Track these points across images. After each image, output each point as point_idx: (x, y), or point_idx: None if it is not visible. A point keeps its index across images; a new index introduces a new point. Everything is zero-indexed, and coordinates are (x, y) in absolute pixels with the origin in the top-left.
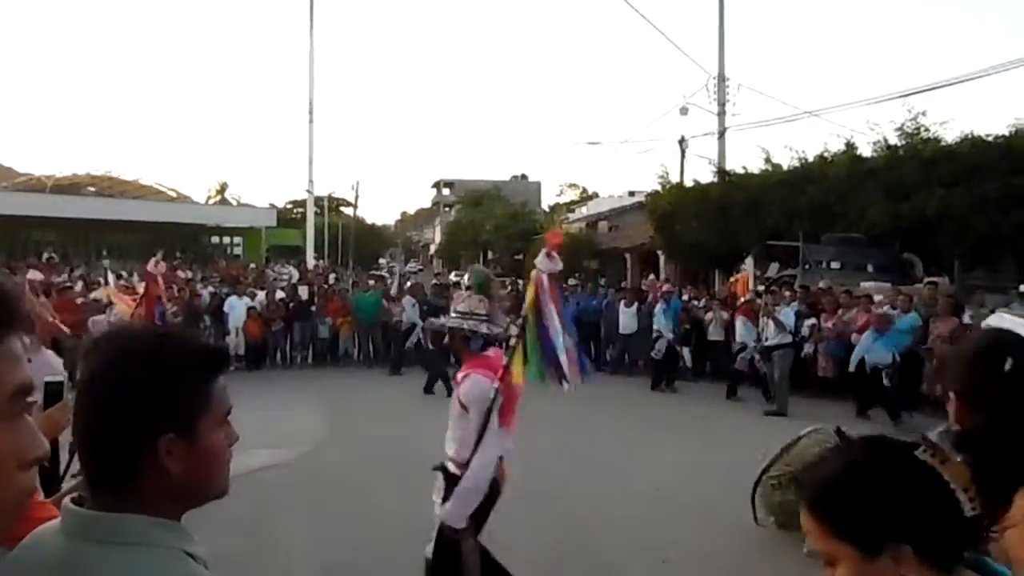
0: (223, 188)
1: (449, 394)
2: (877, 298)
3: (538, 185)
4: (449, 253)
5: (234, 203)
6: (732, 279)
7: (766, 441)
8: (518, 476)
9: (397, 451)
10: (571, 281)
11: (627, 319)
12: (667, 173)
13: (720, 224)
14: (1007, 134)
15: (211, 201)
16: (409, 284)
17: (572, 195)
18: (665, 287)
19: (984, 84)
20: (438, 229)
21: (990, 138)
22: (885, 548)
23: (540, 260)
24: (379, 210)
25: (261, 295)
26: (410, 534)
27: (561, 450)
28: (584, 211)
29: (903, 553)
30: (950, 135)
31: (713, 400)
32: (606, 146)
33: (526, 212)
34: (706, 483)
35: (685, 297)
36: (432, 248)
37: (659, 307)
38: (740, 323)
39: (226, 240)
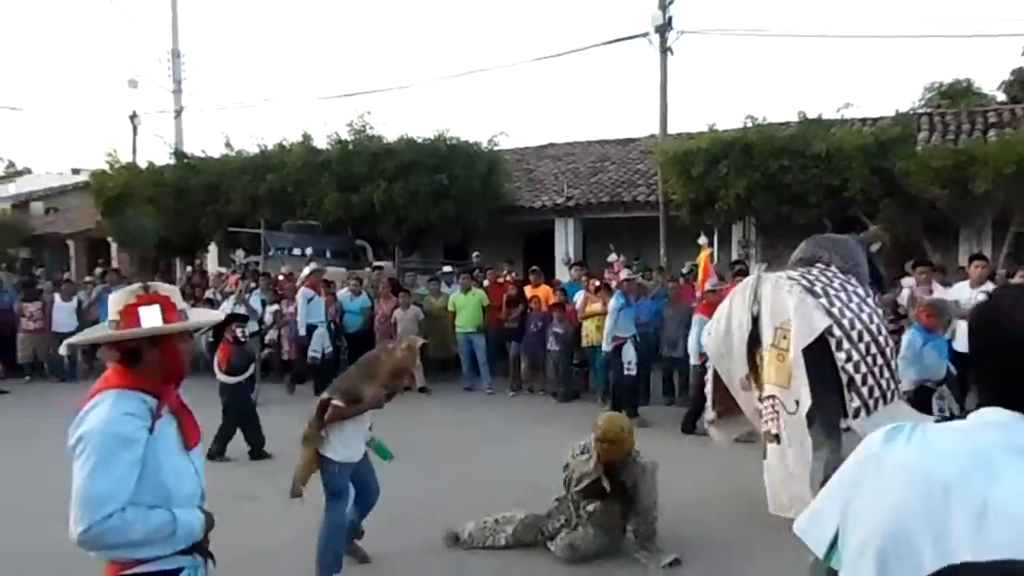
0: None
1: None
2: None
3: None
4: None
5: None
6: (702, 254)
7: None
8: None
9: None
10: None
11: (64, 315)
12: (116, 151)
13: (178, 209)
14: (433, 137)
15: None
16: None
17: None
18: (624, 273)
19: (418, 92)
20: None
21: (420, 139)
22: None
23: None
24: None
25: None
26: None
27: None
28: (11, 189)
29: None
30: (391, 135)
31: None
32: (33, 114)
33: None
34: None
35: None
36: None
37: (616, 301)
38: (697, 320)
39: None
